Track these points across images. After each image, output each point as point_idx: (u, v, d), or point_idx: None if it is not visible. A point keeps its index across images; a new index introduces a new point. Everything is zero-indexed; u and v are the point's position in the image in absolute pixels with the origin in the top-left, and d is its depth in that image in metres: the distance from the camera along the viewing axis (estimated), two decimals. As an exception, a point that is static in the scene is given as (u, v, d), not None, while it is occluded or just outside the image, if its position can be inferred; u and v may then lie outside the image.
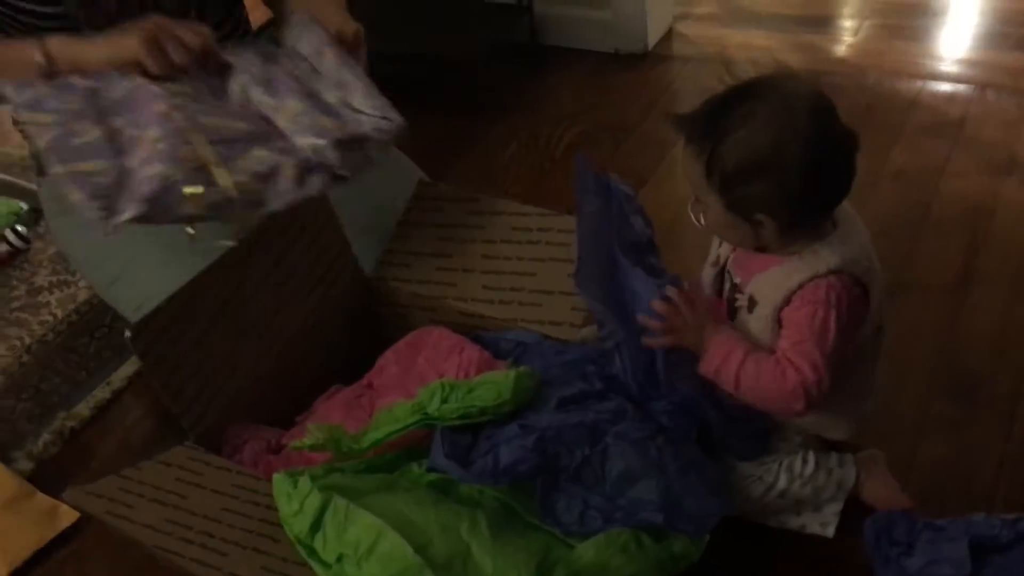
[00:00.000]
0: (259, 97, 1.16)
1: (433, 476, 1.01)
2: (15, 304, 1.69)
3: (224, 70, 1.19)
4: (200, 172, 1.05)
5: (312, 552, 0.92)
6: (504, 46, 2.30)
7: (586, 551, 0.92)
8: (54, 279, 1.75)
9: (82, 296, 1.68)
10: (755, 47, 2.28)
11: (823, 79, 2.03)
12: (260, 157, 1.09)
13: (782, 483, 1.12)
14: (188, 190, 1.04)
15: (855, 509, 1.16)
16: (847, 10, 2.42)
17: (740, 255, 1.10)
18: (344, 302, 1.32)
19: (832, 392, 1.02)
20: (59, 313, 1.66)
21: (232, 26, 1.38)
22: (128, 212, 1.01)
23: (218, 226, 1.15)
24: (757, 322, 1.06)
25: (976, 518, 1.11)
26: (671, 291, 1.04)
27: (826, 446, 1.17)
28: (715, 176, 0.98)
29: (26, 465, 1.39)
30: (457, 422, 1.00)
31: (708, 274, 1.16)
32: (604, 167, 1.88)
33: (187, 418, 1.13)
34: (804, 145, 0.95)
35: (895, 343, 1.40)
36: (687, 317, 1.04)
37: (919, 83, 2.05)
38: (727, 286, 1.12)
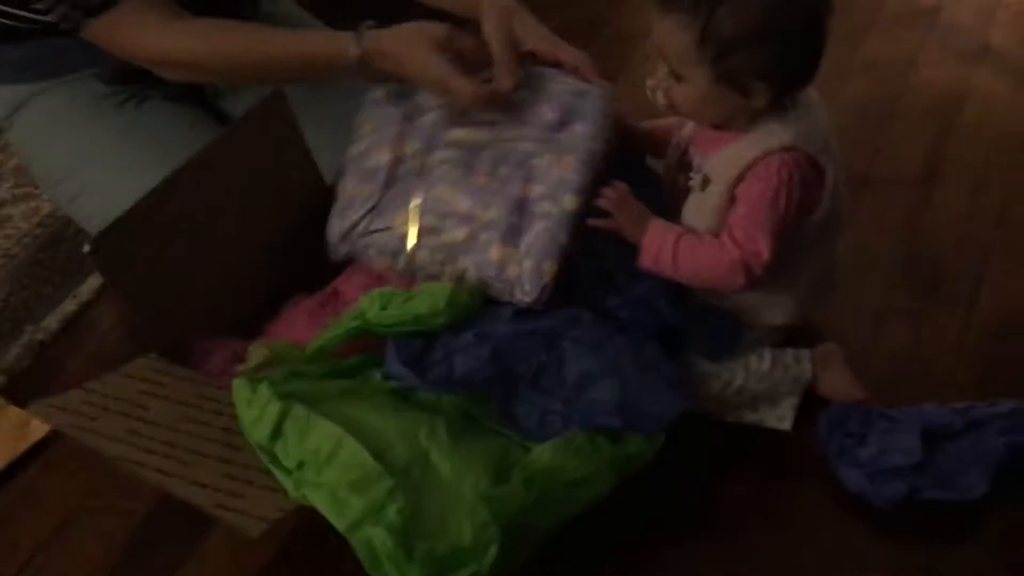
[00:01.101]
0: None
1: (394, 383, 1.02)
2: (-22, 219, 1.67)
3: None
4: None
5: (274, 458, 0.94)
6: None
7: (542, 454, 0.93)
8: (17, 191, 1.72)
9: (45, 209, 1.65)
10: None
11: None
12: (457, 266, 1.09)
13: (739, 379, 1.13)
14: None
15: (812, 403, 1.17)
16: None
17: (698, 134, 1.09)
18: (309, 210, 1.31)
19: (775, 274, 1.04)
20: (23, 226, 1.64)
21: None
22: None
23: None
24: (708, 200, 1.06)
25: (929, 408, 1.13)
26: (607, 189, 1.07)
27: (783, 342, 1.19)
28: (710, 44, 0.96)
29: (-2, 379, 1.39)
30: (394, 329, 1.01)
31: (671, 156, 1.15)
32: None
33: (151, 330, 1.13)
34: (803, 8, 0.96)
35: (859, 237, 1.40)
36: (633, 208, 1.06)
37: (893, -32, 1.99)
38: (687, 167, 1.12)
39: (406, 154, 1.19)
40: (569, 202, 1.06)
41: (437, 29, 1.09)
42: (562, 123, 1.13)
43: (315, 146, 1.28)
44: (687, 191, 1.11)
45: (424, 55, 1.08)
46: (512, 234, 1.06)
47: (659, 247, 1.05)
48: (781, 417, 1.16)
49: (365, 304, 1.03)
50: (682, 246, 1.04)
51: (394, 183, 1.17)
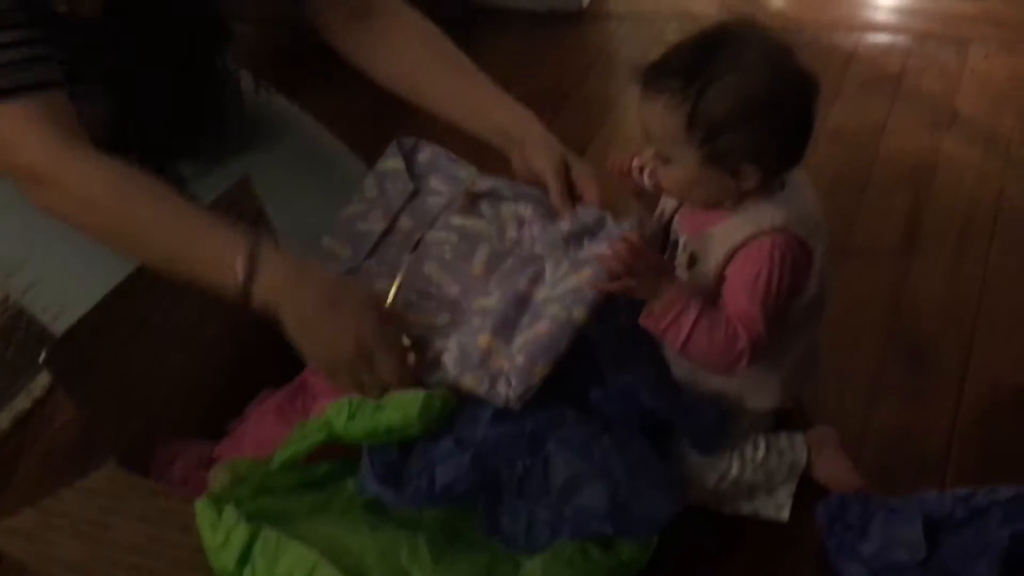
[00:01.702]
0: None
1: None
2: (-75, 311, 1.60)
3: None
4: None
5: (242, 585, 0.87)
6: (433, 8, 2.21)
7: (533, 570, 0.88)
8: (-34, 282, 1.65)
9: (-4, 300, 1.59)
10: (691, 2, 2.22)
11: (761, 34, 2.04)
12: (432, 348, 1.03)
13: (735, 470, 1.09)
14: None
15: (808, 488, 1.14)
16: (782, -41, 2.37)
17: (685, 212, 1.07)
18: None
19: (761, 357, 1.01)
20: (-27, 319, 1.57)
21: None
22: None
23: None
24: (695, 281, 1.03)
25: (929, 495, 1.09)
26: (632, 234, 0.99)
27: (775, 427, 1.15)
28: (700, 126, 0.94)
29: (-52, 481, 1.31)
30: (363, 441, 0.96)
31: (651, 229, 1.12)
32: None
33: (109, 438, 1.06)
34: (792, 87, 0.95)
35: (843, 310, 1.39)
36: (648, 261, 0.98)
37: (856, 35, 2.01)
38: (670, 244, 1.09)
39: (400, 227, 1.16)
40: (580, 315, 1.00)
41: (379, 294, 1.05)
42: (578, 238, 1.10)
43: (284, 232, 1.23)
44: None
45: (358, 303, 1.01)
46: (506, 327, 1.01)
47: (676, 317, 0.98)
48: (779, 506, 1.12)
49: (332, 414, 0.97)
50: (701, 323, 0.98)
51: (378, 252, 1.14)
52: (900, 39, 1.98)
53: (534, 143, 1.12)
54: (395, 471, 0.93)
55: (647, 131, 0.99)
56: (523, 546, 0.92)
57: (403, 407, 0.95)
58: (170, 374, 1.13)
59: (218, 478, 0.96)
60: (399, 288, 1.09)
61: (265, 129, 1.36)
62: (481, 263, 1.10)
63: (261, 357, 1.24)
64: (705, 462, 1.08)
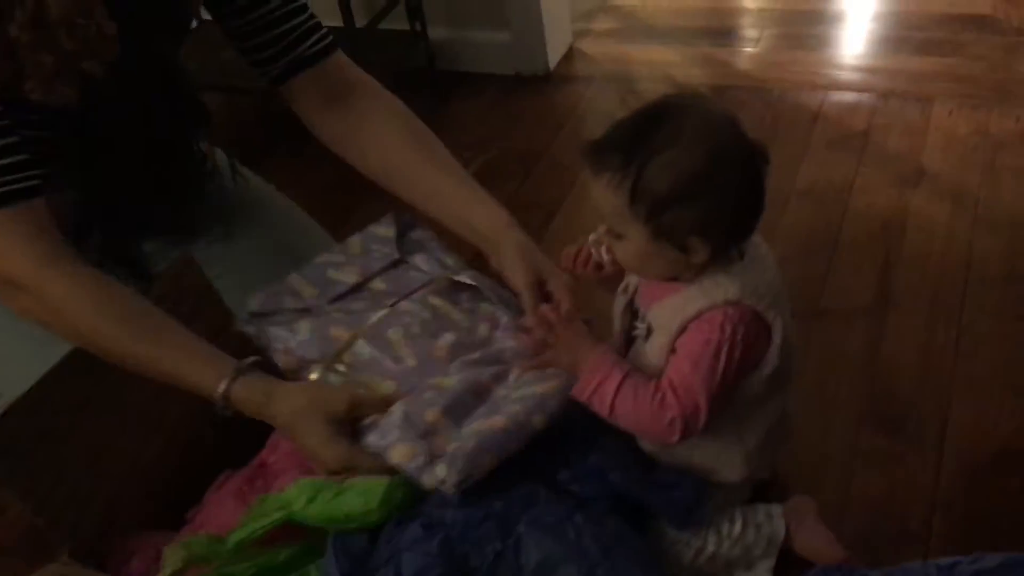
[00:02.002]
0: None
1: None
2: None
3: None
4: None
5: None
6: (401, 75, 2.21)
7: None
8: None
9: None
10: (657, 62, 2.24)
11: (728, 93, 2.05)
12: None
13: (711, 546, 1.06)
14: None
15: (789, 562, 1.10)
16: (747, 20, 2.40)
17: (645, 284, 1.04)
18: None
19: (722, 429, 1.00)
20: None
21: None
22: None
23: None
24: (652, 351, 1.00)
25: (913, 566, 1.06)
26: (545, 308, 1.03)
27: (752, 498, 1.12)
28: (642, 203, 0.92)
29: None
30: (322, 524, 0.92)
31: (619, 303, 1.10)
32: (515, 196, 1.83)
33: (58, 531, 1.01)
34: (733, 162, 0.92)
35: (818, 374, 1.37)
36: (562, 333, 1.01)
37: (822, 94, 2.03)
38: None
39: (373, 288, 1.14)
40: (539, 421, 0.96)
41: (335, 402, 0.97)
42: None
43: (232, 303, 1.20)
44: (633, 340, 1.06)
45: (317, 433, 0.96)
46: (459, 410, 0.97)
47: (600, 383, 0.98)
48: (758, 583, 1.09)
49: (292, 494, 0.93)
50: (624, 389, 0.97)
51: (344, 302, 1.12)
52: (865, 97, 2.00)
53: (509, 253, 1.09)
54: (360, 561, 0.88)
55: (597, 207, 0.97)
56: (497, 637, 0.88)
57: (365, 494, 0.91)
58: (121, 459, 1.08)
59: (172, 557, 0.91)
60: (330, 368, 1.05)
61: (240, 209, 1.33)
62: (446, 346, 1.07)
63: (220, 436, 1.20)
64: (681, 539, 1.05)
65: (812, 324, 1.45)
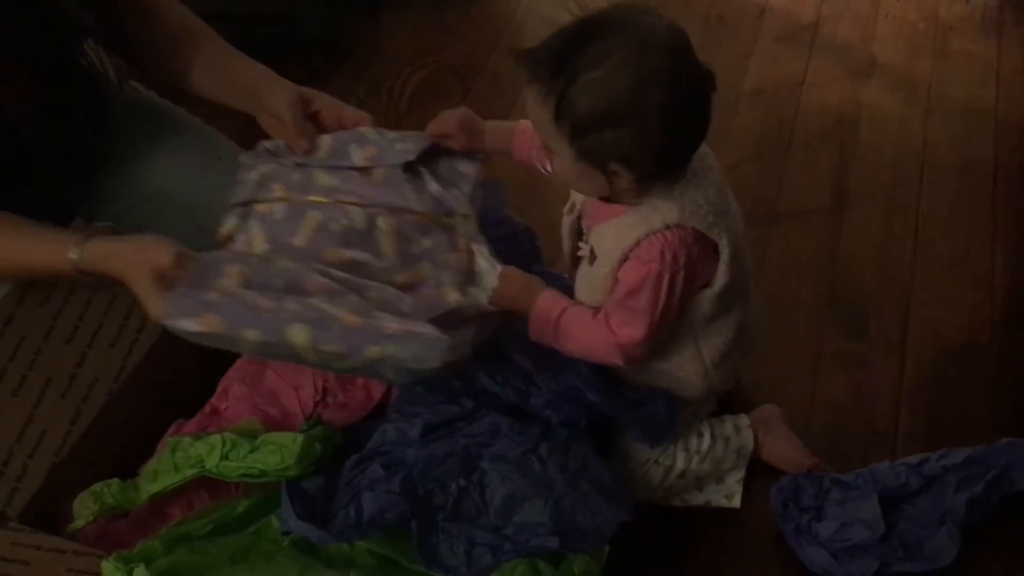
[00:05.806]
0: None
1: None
2: None
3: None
4: None
5: (160, 650, 0.80)
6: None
7: (480, 600, 0.81)
8: None
9: None
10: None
11: (674, -10, 1.97)
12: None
13: (680, 463, 1.04)
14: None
15: (759, 471, 1.10)
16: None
17: (590, 203, 1.00)
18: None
19: (680, 347, 0.99)
20: None
21: None
22: None
23: None
24: (596, 276, 0.97)
25: (882, 467, 1.06)
26: (509, 268, 1.01)
27: (718, 411, 1.10)
28: (565, 122, 0.86)
29: None
30: (236, 479, 0.91)
31: (566, 223, 1.06)
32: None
33: (6, 493, 0.97)
34: (663, 89, 0.84)
35: (778, 280, 1.35)
36: (520, 281, 0.99)
37: (769, -14, 1.96)
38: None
39: (363, 176, 1.09)
40: (375, 353, 0.88)
41: (162, 255, 0.94)
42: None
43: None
44: (578, 259, 1.02)
45: (142, 285, 0.94)
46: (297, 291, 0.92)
47: (544, 320, 0.97)
48: (729, 495, 1.09)
49: (204, 450, 0.91)
50: (564, 322, 0.96)
51: (330, 170, 1.08)
52: (812, -14, 1.94)
53: (270, 90, 1.10)
54: (319, 505, 0.85)
55: (530, 118, 0.92)
56: (464, 573, 0.86)
57: (280, 451, 0.89)
58: (57, 423, 1.03)
59: (83, 508, 0.91)
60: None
61: (147, 122, 1.27)
62: (346, 256, 1.00)
63: (169, 387, 1.16)
64: (650, 459, 1.03)
65: (770, 229, 1.42)
